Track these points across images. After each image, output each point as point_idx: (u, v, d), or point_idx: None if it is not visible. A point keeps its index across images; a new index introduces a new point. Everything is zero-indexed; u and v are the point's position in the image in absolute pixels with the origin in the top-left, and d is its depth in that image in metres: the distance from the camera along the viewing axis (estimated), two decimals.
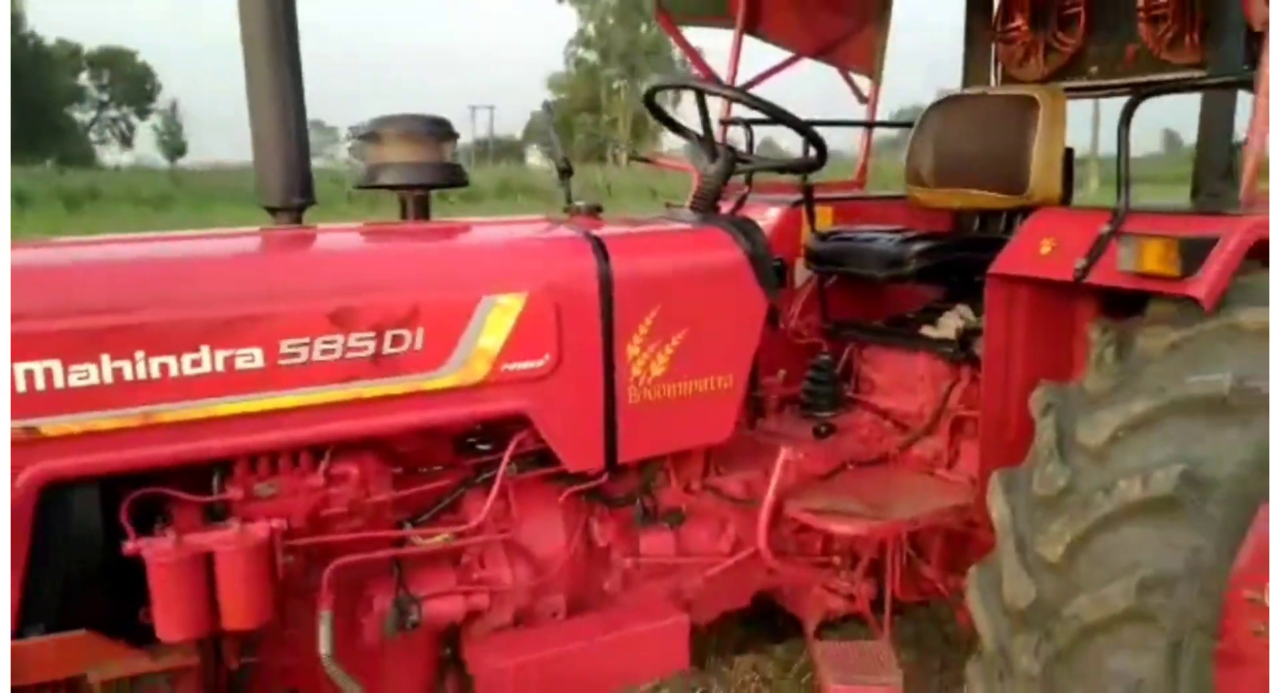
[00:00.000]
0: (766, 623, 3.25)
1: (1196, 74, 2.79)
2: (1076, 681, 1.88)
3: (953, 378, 2.59)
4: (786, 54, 3.54)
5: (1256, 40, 2.20)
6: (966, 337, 2.54)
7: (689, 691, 2.99)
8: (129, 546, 1.59)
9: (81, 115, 51.89)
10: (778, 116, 2.38)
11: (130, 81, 54.32)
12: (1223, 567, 1.92)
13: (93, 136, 53.58)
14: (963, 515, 2.38)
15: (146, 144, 58.68)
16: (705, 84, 2.42)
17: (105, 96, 53.86)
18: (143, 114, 56.01)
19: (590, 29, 60.52)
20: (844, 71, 3.60)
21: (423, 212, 2.25)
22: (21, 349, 1.51)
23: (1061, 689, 1.89)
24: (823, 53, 3.53)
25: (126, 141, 56.23)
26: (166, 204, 25.54)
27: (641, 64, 59.40)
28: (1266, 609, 2.23)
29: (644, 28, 59.63)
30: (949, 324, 2.60)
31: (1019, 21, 3.21)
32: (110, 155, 52.90)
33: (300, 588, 1.81)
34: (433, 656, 2.08)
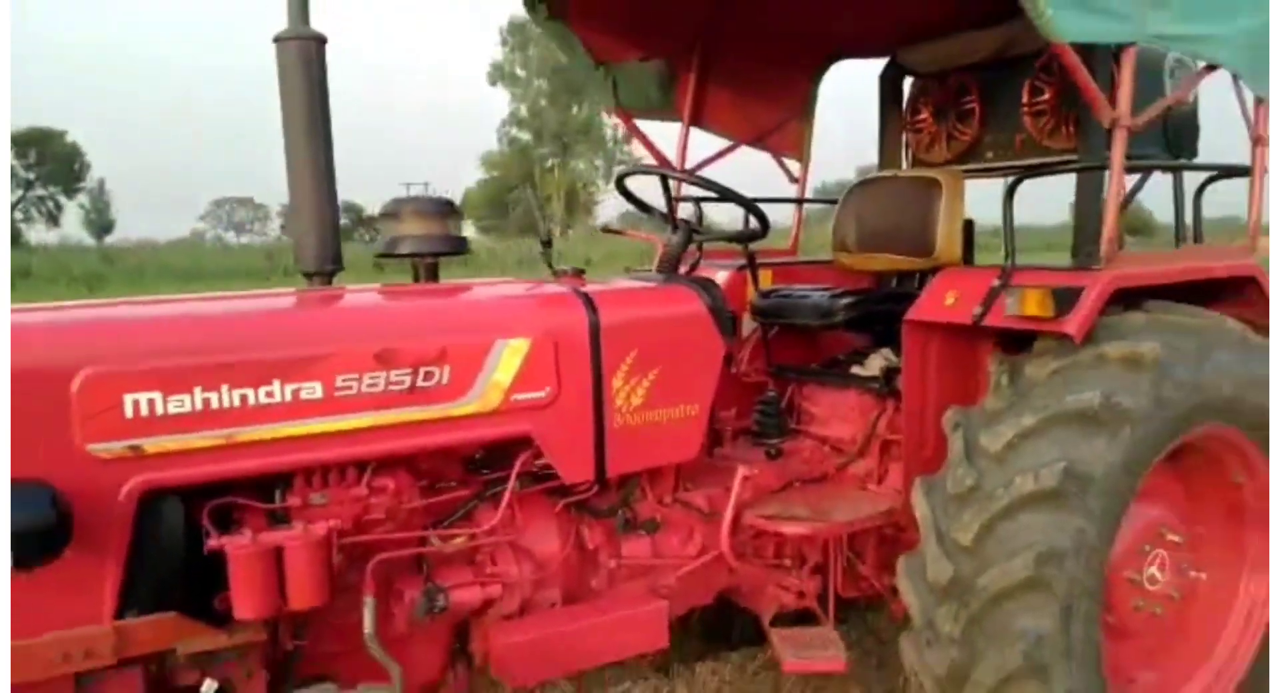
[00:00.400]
0: (723, 634, 3.64)
1: (1072, 159, 3.33)
2: (989, 640, 2.30)
3: (879, 409, 3.05)
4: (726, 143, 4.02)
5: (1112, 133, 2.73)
6: (889, 374, 3.01)
7: (656, 691, 3.34)
8: (212, 542, 1.93)
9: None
10: (726, 195, 2.86)
11: (58, 161, 53.92)
12: (1103, 547, 2.38)
13: (19, 215, 52.79)
14: (891, 519, 2.80)
15: (73, 222, 58.06)
16: (670, 171, 2.89)
17: (32, 176, 53.30)
18: (70, 193, 55.53)
19: (523, 110, 61.74)
20: (776, 156, 4.11)
21: (432, 275, 2.65)
22: (131, 383, 1.86)
23: (977, 648, 2.31)
24: (757, 141, 4.02)
25: (54, 220, 55.54)
26: (99, 283, 25.38)
27: (574, 143, 60.91)
28: (1144, 588, 2.70)
29: (575, 109, 61.22)
30: (874, 364, 3.07)
31: (925, 114, 3.76)
32: (36, 234, 52.19)
33: (343, 585, 2.15)
34: (448, 645, 2.42)
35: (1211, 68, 2.75)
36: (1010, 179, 2.83)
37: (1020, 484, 2.29)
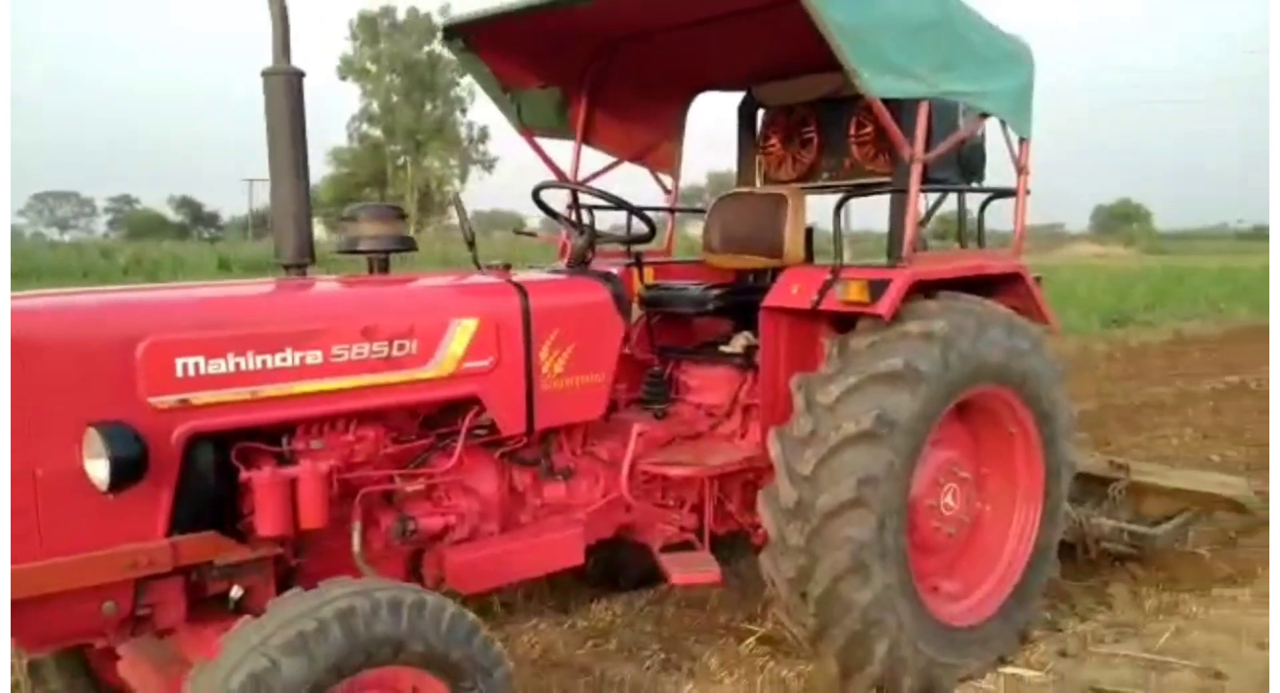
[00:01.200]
0: (612, 580, 4.34)
1: (888, 181, 4.15)
2: (825, 547, 3.08)
3: (742, 379, 3.81)
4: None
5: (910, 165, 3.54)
6: (749, 351, 3.77)
7: (559, 624, 4.01)
8: (243, 475, 2.48)
9: None
10: (621, 205, 3.55)
11: None
12: (906, 476, 3.20)
13: None
14: (752, 465, 3.55)
15: None
16: (579, 185, 3.56)
17: None
18: None
19: (374, 106, 60.49)
20: (652, 171, 4.81)
21: (384, 269, 3.23)
22: (181, 349, 2.40)
23: (816, 554, 3.09)
24: (637, 158, 4.72)
25: None
26: None
27: (427, 141, 60.13)
28: (941, 514, 3.55)
29: (428, 106, 60.59)
30: (738, 343, 3.83)
31: (774, 140, 4.55)
32: None
33: (333, 515, 2.71)
34: (407, 568, 3.02)
35: (985, 115, 3.64)
36: (839, 197, 3.64)
37: (846, 428, 3.08)
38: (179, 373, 2.39)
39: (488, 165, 63.03)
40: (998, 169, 4.07)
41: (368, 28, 58.53)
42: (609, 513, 3.44)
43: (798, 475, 3.13)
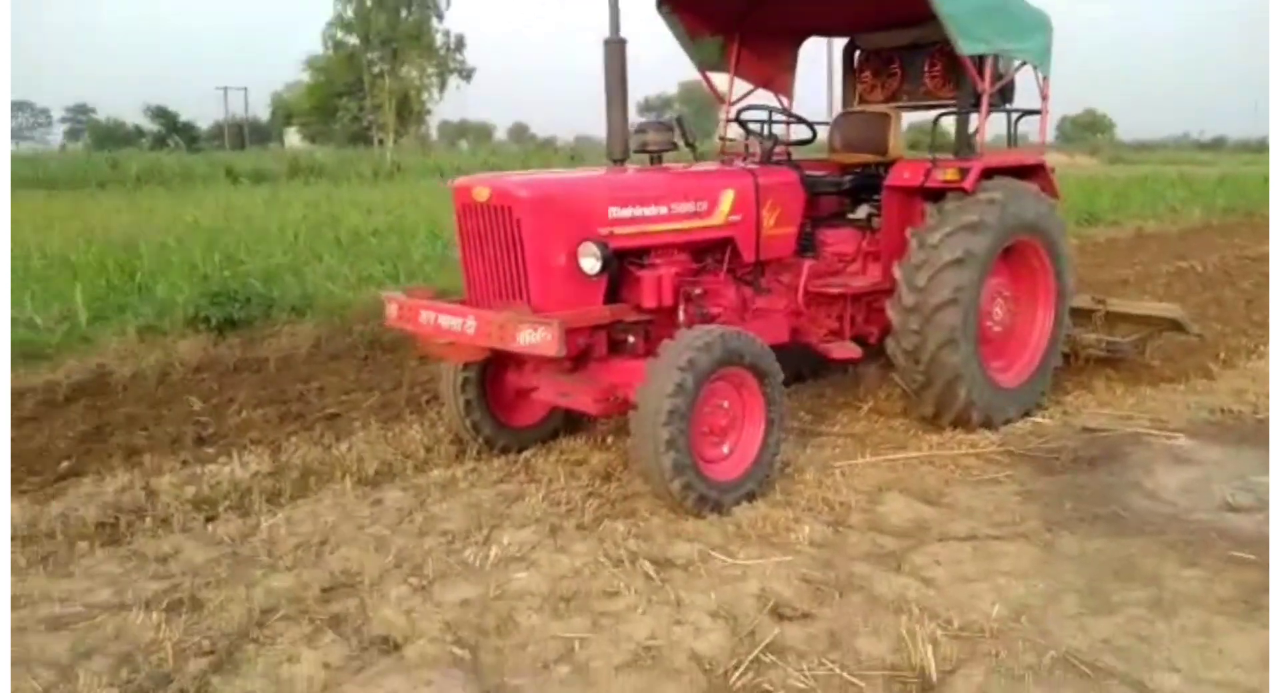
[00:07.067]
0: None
1: (953, 102, 6.11)
2: (932, 328, 5.13)
3: (863, 236, 5.82)
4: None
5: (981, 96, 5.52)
6: (870, 217, 5.79)
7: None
8: (635, 273, 4.50)
9: None
10: (798, 119, 5.52)
11: None
12: (978, 291, 5.27)
13: None
14: (877, 287, 5.56)
15: None
16: (774, 108, 5.50)
17: None
18: None
19: (349, 12, 59.81)
20: (776, 95, 6.70)
21: (659, 162, 5.16)
22: (611, 202, 4.38)
23: (926, 334, 5.15)
24: (767, 85, 6.60)
25: None
26: None
27: (404, 48, 59.80)
28: (993, 317, 5.65)
29: (404, 13, 60.11)
30: (862, 211, 5.85)
31: (867, 73, 6.48)
32: None
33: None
34: None
35: (1024, 63, 5.63)
36: (935, 113, 5.64)
37: (945, 256, 5.11)
38: (610, 216, 4.38)
39: (465, 74, 63.05)
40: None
41: None
42: (792, 317, 5.48)
43: (915, 286, 5.16)
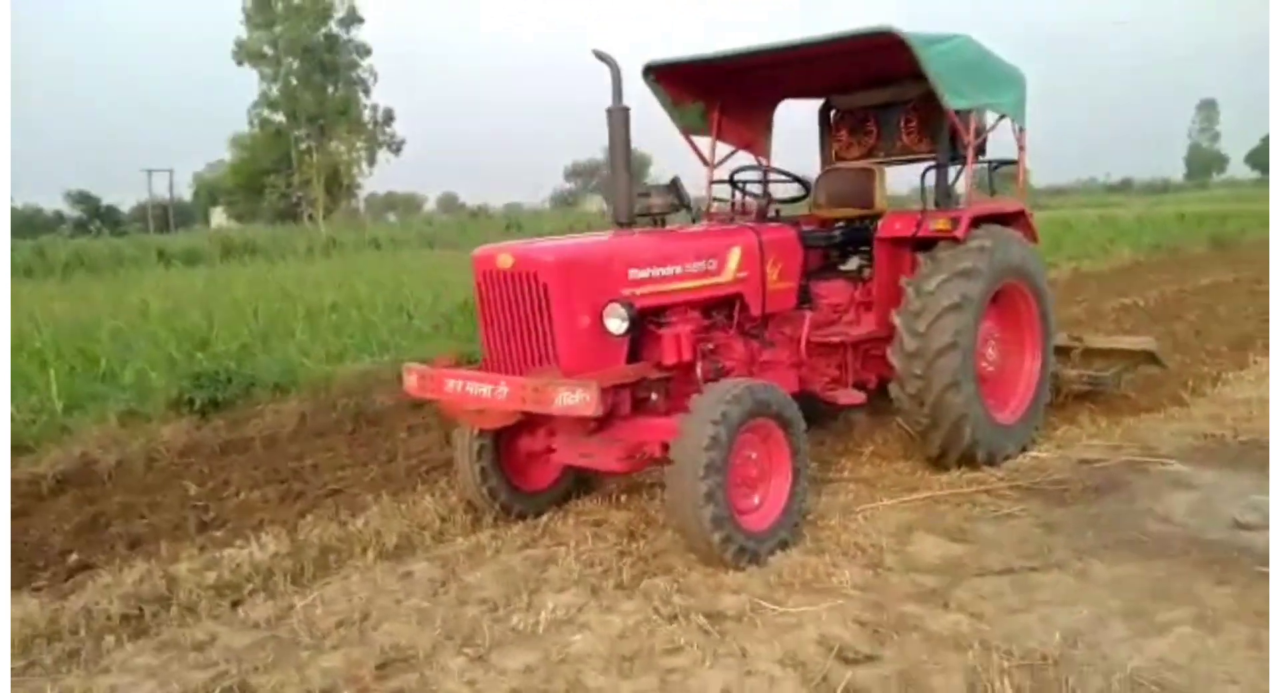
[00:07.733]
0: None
1: (931, 156, 6.37)
2: (934, 373, 5.30)
3: (855, 287, 6.00)
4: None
5: (953, 146, 5.80)
6: (860, 268, 5.99)
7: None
8: (656, 332, 4.59)
9: None
10: (789, 177, 5.71)
11: None
12: (974, 335, 5.46)
13: None
14: (873, 335, 5.72)
15: None
16: (763, 167, 5.69)
17: None
18: None
19: (274, 91, 59.65)
20: (755, 156, 6.94)
21: (662, 223, 5.29)
22: (631, 264, 4.48)
23: (929, 377, 5.31)
24: (746, 147, 6.82)
25: None
26: None
27: (331, 124, 59.68)
28: (986, 358, 5.86)
29: (330, 89, 60.17)
30: (853, 263, 6.04)
31: (843, 131, 6.76)
32: None
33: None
34: None
35: (1002, 116, 5.93)
36: (924, 167, 5.89)
37: (943, 302, 5.30)
38: (630, 277, 4.48)
39: (395, 148, 63.06)
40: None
41: (262, 9, 57.54)
42: (796, 367, 5.60)
43: (915, 332, 5.34)
